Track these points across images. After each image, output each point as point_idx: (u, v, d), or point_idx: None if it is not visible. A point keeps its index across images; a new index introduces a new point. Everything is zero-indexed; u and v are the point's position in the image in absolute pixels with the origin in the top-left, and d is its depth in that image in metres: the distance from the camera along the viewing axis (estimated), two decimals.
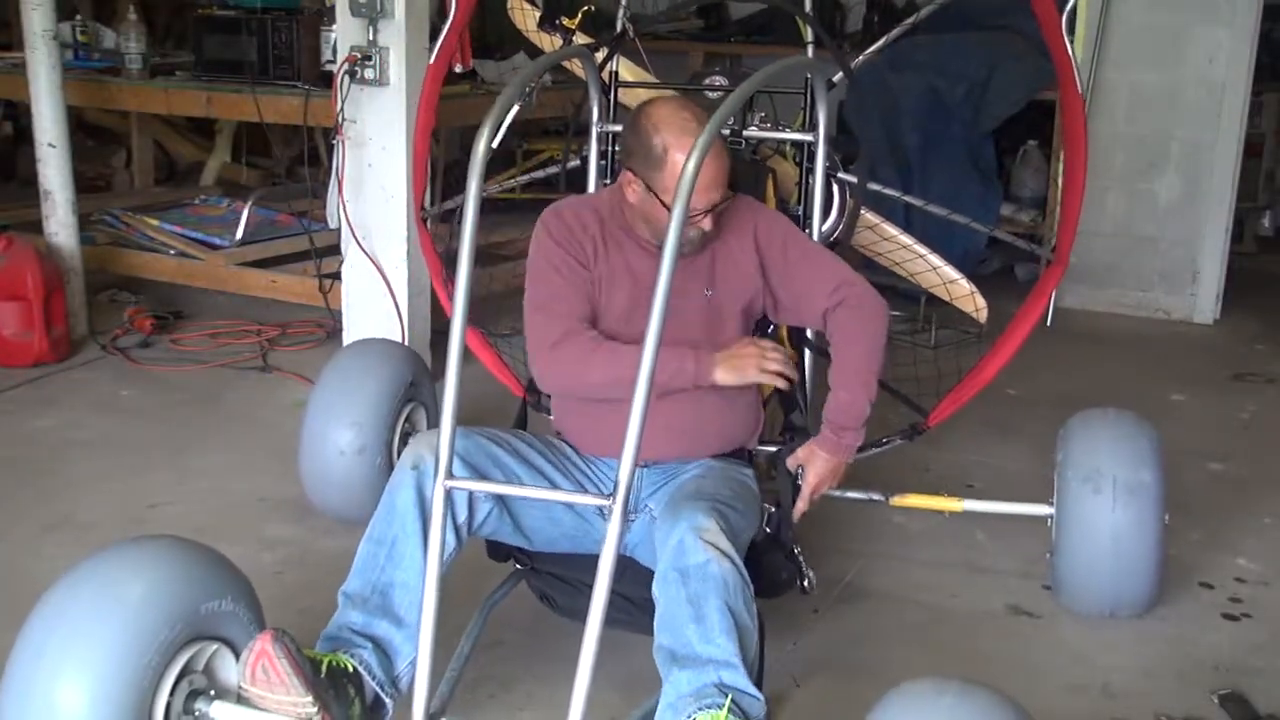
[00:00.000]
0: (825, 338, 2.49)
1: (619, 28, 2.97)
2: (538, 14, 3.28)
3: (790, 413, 2.64)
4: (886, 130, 5.30)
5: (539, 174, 3.40)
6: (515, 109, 2.17)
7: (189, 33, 5.09)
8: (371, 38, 3.81)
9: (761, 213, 2.51)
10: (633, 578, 2.22)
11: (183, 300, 4.88)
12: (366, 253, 4.00)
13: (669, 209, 2.11)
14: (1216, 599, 2.87)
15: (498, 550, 2.44)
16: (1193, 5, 5.10)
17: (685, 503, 2.13)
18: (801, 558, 2.40)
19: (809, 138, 2.76)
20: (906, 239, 3.05)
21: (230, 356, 4.36)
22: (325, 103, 4.07)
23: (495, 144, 2.04)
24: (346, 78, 3.84)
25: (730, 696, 1.95)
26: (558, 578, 2.39)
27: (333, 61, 4.13)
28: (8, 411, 3.82)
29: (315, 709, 1.94)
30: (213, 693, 1.95)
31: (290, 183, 5.78)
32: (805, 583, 2.40)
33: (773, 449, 2.61)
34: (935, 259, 3.04)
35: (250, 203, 4.98)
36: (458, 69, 4.21)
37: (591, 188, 2.88)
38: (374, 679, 2.10)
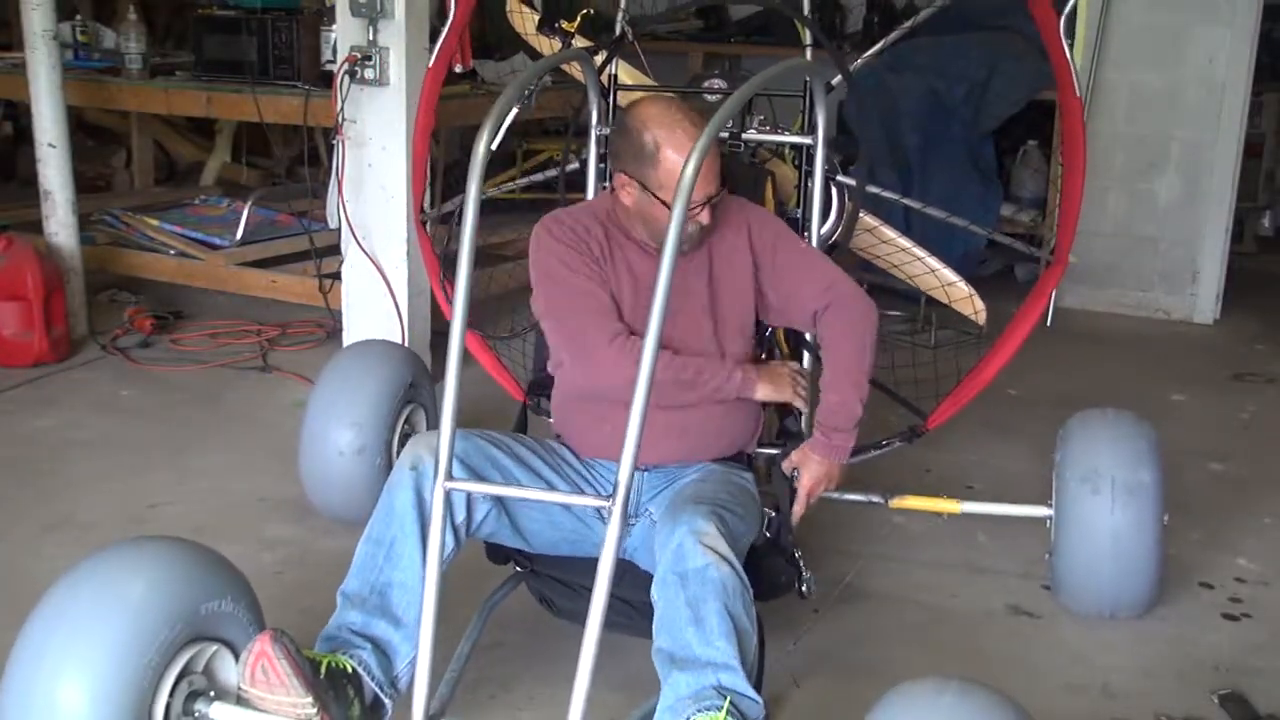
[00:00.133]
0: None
1: (618, 30, 2.97)
2: (536, 17, 3.29)
3: (785, 417, 2.64)
4: (886, 131, 5.30)
5: (538, 176, 3.40)
6: (514, 111, 2.17)
7: (189, 33, 5.09)
8: (371, 38, 3.81)
9: (754, 211, 2.52)
10: (632, 581, 2.22)
11: (183, 300, 4.89)
12: (366, 253, 4.00)
13: (667, 206, 2.13)
14: (1216, 599, 2.87)
15: (497, 552, 2.44)
16: (1193, 5, 5.10)
17: (685, 506, 2.13)
18: (801, 562, 2.40)
19: (808, 140, 2.76)
20: (905, 241, 3.05)
21: (230, 356, 4.36)
22: (325, 103, 4.07)
23: (494, 146, 2.04)
24: (346, 78, 3.84)
25: (729, 699, 1.95)
26: (557, 580, 2.39)
27: (333, 61, 4.14)
28: (8, 411, 3.83)
29: (315, 710, 1.94)
30: (212, 693, 1.95)
31: (290, 183, 5.78)
32: (804, 587, 2.40)
33: (772, 452, 2.62)
34: (934, 261, 3.05)
35: (250, 203, 4.99)
36: (458, 69, 4.21)
37: (591, 189, 2.88)
38: (373, 679, 2.10)
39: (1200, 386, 4.44)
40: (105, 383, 4.10)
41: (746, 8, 6.86)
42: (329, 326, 4.46)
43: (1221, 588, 2.92)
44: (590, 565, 1.92)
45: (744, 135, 2.78)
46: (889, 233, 3.04)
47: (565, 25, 3.07)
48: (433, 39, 3.50)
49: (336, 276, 4.17)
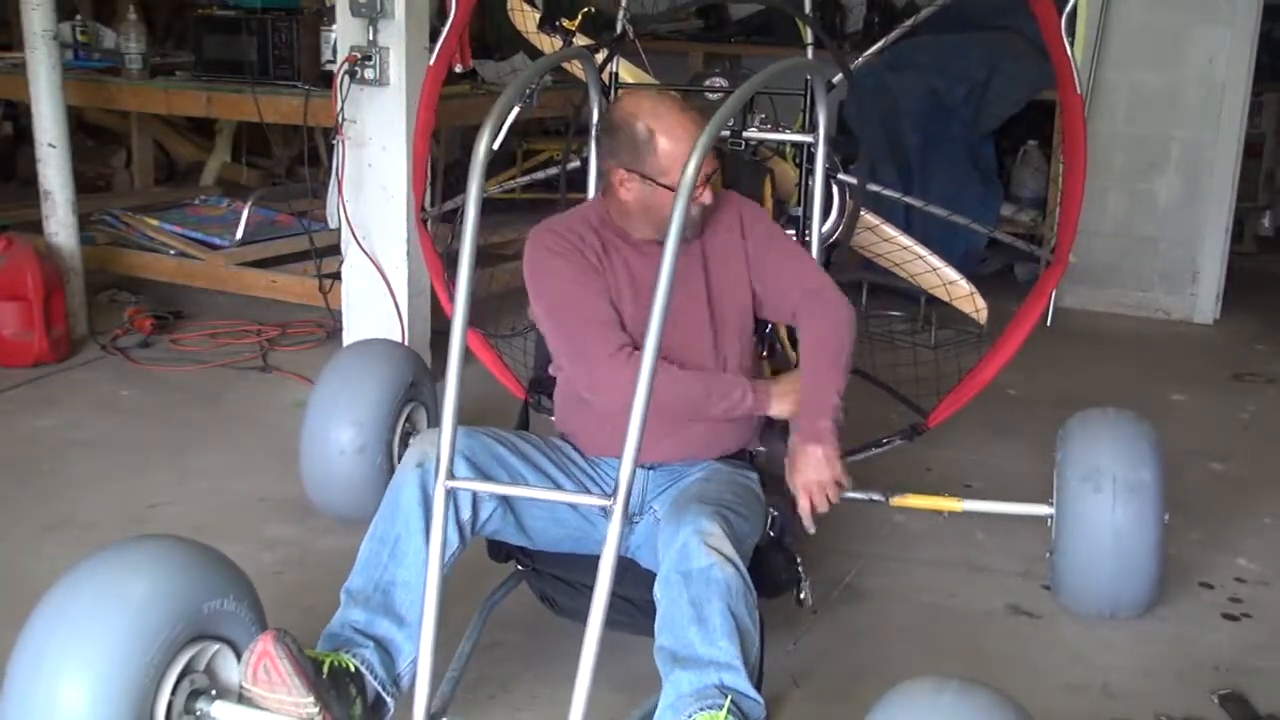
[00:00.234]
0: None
1: (619, 29, 2.97)
2: (538, 15, 3.28)
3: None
4: (886, 131, 5.30)
5: (539, 175, 3.40)
6: (516, 110, 2.17)
7: (189, 33, 5.09)
8: (371, 38, 3.81)
9: (747, 206, 2.52)
10: (633, 579, 2.22)
11: (183, 300, 4.89)
12: (366, 253, 4.00)
13: (671, 189, 2.15)
14: (1216, 599, 2.87)
15: (498, 550, 2.44)
16: (1193, 5, 5.10)
17: (690, 506, 2.13)
18: (801, 569, 2.40)
19: (809, 139, 2.76)
20: (906, 240, 3.05)
21: (230, 356, 4.36)
22: (325, 103, 4.07)
23: (496, 145, 2.04)
24: (346, 78, 3.84)
25: (730, 698, 1.95)
26: (559, 579, 2.39)
27: (333, 61, 4.14)
28: (8, 411, 3.83)
29: (316, 709, 1.94)
30: (214, 692, 1.95)
31: (290, 183, 5.78)
32: (801, 595, 2.40)
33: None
34: (935, 260, 3.05)
35: (250, 203, 4.99)
36: (458, 69, 4.21)
37: (592, 188, 2.88)
38: (375, 678, 2.10)
39: (1200, 386, 4.44)
40: (105, 383, 4.10)
41: (747, 7, 6.87)
42: (329, 326, 4.46)
43: (1221, 588, 2.92)
44: (592, 563, 1.91)
45: (745, 134, 2.78)
46: (890, 231, 3.04)
47: (566, 23, 3.07)
48: (433, 39, 3.50)
49: (336, 276, 4.17)
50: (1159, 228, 5.33)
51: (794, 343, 2.72)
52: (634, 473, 1.88)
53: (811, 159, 2.76)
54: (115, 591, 1.86)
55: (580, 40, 3.07)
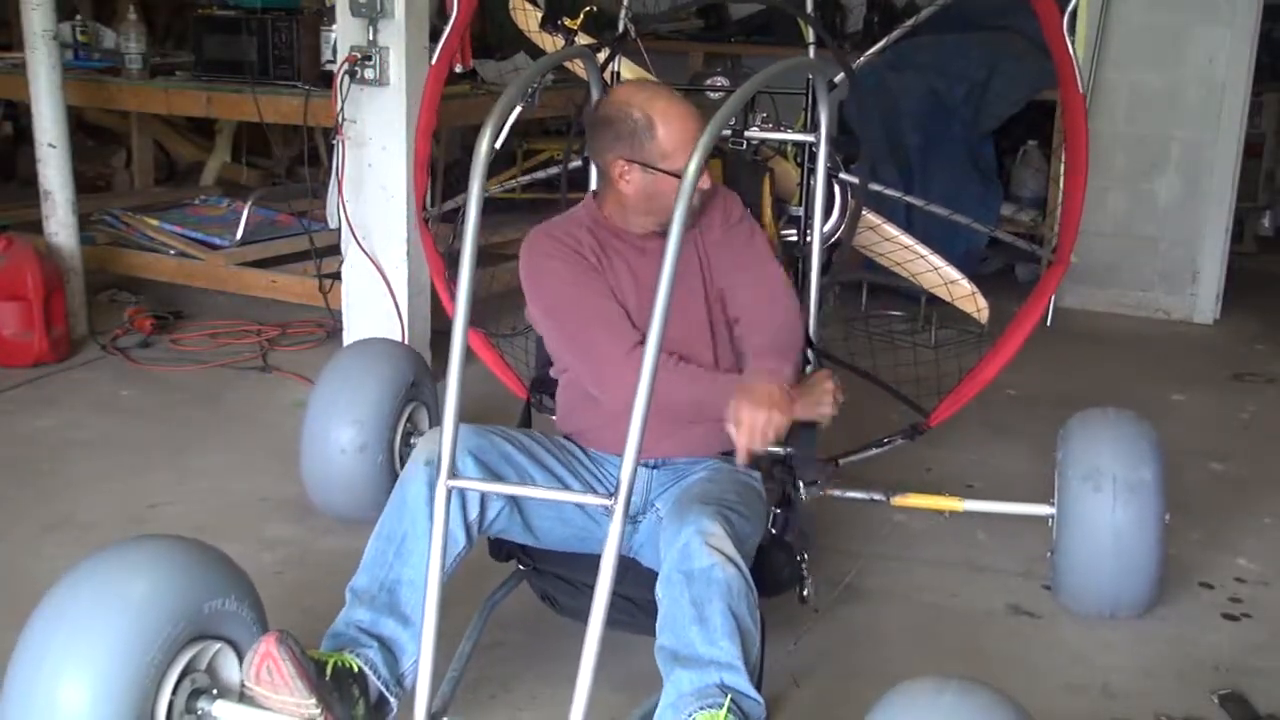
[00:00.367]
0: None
1: (620, 28, 2.97)
2: (539, 14, 3.28)
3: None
4: (887, 131, 5.30)
5: (540, 174, 3.40)
6: (517, 110, 2.17)
7: (189, 33, 5.09)
8: (371, 38, 3.81)
9: (734, 201, 2.52)
10: (634, 579, 2.22)
11: (183, 300, 4.88)
12: (366, 253, 4.00)
13: (674, 175, 2.17)
14: (1216, 599, 2.87)
15: (499, 550, 2.44)
16: (1193, 5, 5.10)
17: (692, 506, 2.13)
18: (805, 569, 2.40)
19: (810, 138, 2.76)
20: (907, 239, 3.05)
21: (230, 356, 4.36)
22: (325, 103, 4.07)
23: (498, 145, 2.04)
24: (346, 78, 3.84)
25: (730, 697, 1.95)
26: (560, 578, 2.39)
27: (333, 61, 4.14)
28: (8, 411, 3.83)
29: (318, 710, 1.94)
30: (215, 691, 1.95)
31: (290, 183, 5.78)
32: (804, 592, 2.40)
33: (775, 450, 2.61)
34: (936, 259, 3.05)
35: (250, 203, 4.99)
36: (458, 69, 4.21)
37: (593, 187, 2.87)
38: (379, 678, 2.10)
39: (1200, 386, 4.44)
40: (105, 383, 4.10)
41: (747, 7, 6.87)
42: (329, 326, 4.46)
43: (1221, 588, 2.92)
44: (593, 562, 1.91)
45: (746, 133, 2.78)
46: (891, 230, 3.04)
47: (568, 23, 3.07)
48: (433, 39, 3.50)
49: (336, 276, 4.17)
50: (1159, 228, 5.33)
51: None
52: (635, 471, 1.88)
53: (813, 158, 2.76)
54: (116, 591, 1.86)
55: (582, 39, 3.07)
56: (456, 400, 1.96)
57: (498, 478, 2.22)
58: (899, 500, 2.92)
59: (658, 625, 2.06)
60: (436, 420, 3.10)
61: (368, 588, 2.16)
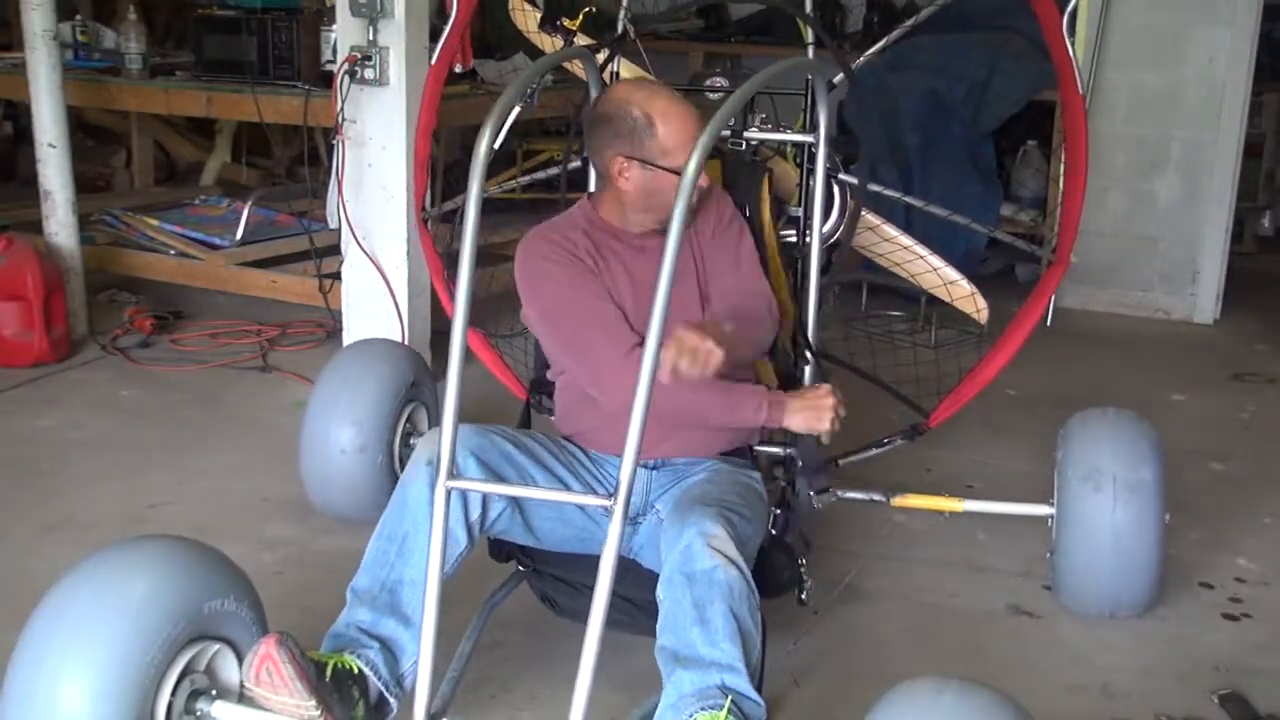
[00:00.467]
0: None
1: (620, 28, 2.97)
2: (539, 15, 3.28)
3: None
4: (886, 131, 5.30)
5: (539, 174, 3.40)
6: (516, 110, 2.17)
7: (189, 33, 5.09)
8: (371, 38, 3.81)
9: (722, 197, 2.53)
10: (634, 580, 2.22)
11: (183, 300, 4.88)
12: (366, 253, 4.00)
13: (674, 172, 2.19)
14: (1216, 599, 2.87)
15: (499, 550, 2.44)
16: (1193, 5, 5.10)
17: (694, 508, 2.13)
18: (804, 569, 2.40)
19: (809, 139, 2.76)
20: (907, 240, 3.04)
21: (230, 356, 4.36)
22: (325, 103, 4.07)
23: (497, 145, 2.04)
24: (346, 78, 3.84)
25: (731, 698, 1.95)
26: (560, 579, 2.39)
27: (333, 61, 4.14)
28: (8, 411, 3.83)
29: (318, 712, 1.94)
30: (214, 692, 1.95)
31: (290, 183, 5.79)
32: (803, 596, 2.40)
33: (773, 450, 2.62)
34: (935, 259, 3.04)
35: (250, 203, 4.98)
36: (458, 69, 4.21)
37: (593, 188, 2.87)
38: (379, 679, 2.10)
39: (1200, 386, 4.44)
40: (105, 383, 4.10)
41: (747, 7, 6.87)
42: (329, 326, 4.46)
43: (1221, 588, 2.92)
44: (592, 563, 1.91)
45: (745, 133, 2.78)
46: (890, 230, 3.04)
47: (567, 23, 3.07)
48: (433, 39, 3.50)
49: (336, 276, 4.17)
50: (1159, 228, 5.33)
51: (795, 345, 2.72)
52: (634, 472, 1.88)
53: (812, 159, 2.76)
54: (115, 591, 1.86)
55: (581, 40, 3.07)
56: (456, 401, 1.96)
57: (499, 478, 2.22)
58: (899, 501, 2.92)
59: (659, 626, 2.06)
60: (436, 421, 3.10)
61: (369, 588, 2.16)
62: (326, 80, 4.11)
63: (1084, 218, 2.98)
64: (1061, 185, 3.09)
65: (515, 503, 2.25)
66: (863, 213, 2.85)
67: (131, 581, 1.87)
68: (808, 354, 2.72)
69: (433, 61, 3.18)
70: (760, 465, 2.59)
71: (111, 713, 1.78)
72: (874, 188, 2.88)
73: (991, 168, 5.48)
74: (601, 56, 2.92)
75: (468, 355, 2.02)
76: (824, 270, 2.74)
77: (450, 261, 3.12)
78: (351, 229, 3.99)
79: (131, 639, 1.81)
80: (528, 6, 3.32)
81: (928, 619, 2.75)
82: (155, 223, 4.94)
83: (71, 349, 4.31)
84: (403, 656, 2.14)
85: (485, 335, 3.23)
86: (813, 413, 2.35)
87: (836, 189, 2.82)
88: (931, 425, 2.95)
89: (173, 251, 4.79)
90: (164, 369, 4.22)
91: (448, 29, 3.10)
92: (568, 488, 2.32)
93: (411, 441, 3.01)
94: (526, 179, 3.62)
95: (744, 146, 2.80)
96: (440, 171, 5.44)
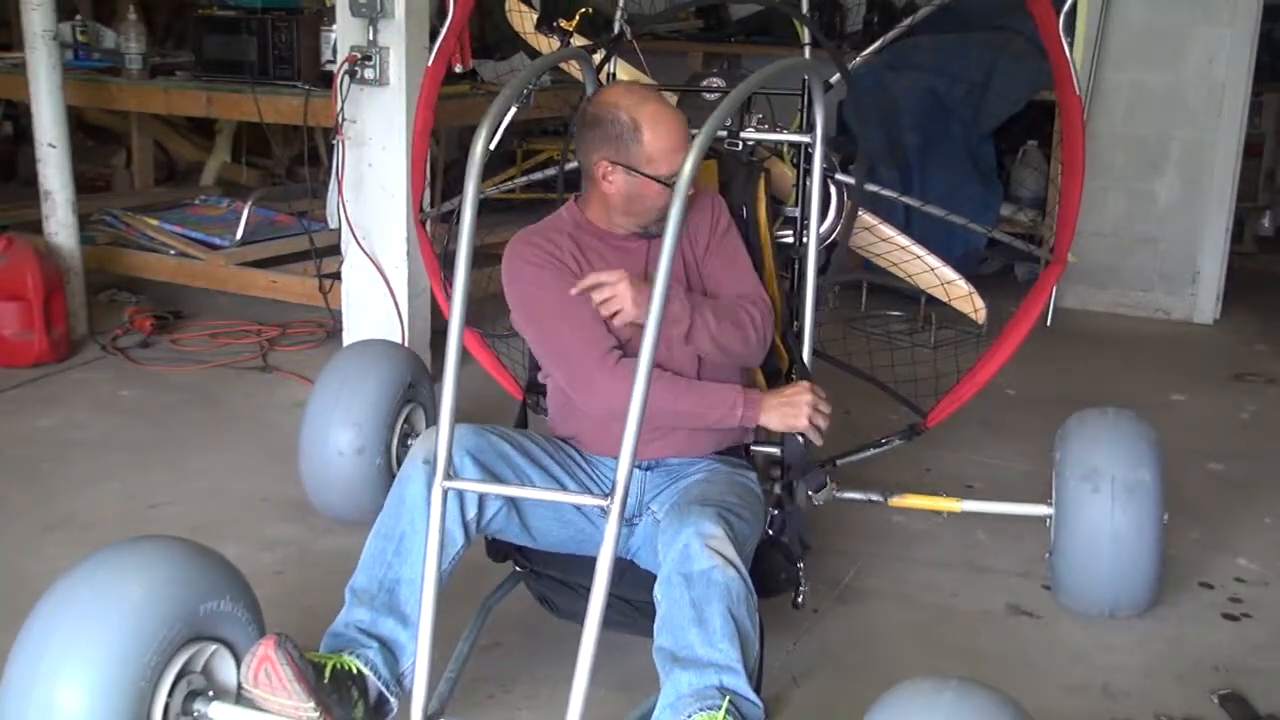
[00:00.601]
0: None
1: (616, 29, 2.97)
2: (535, 15, 3.28)
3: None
4: (885, 130, 5.30)
5: (537, 175, 3.40)
6: (513, 110, 2.17)
7: (189, 33, 5.09)
8: (371, 38, 3.81)
9: (717, 202, 2.53)
10: (632, 580, 2.22)
11: (183, 300, 4.89)
12: (366, 253, 4.00)
13: (657, 180, 2.20)
14: (1216, 599, 2.87)
15: (497, 550, 2.44)
16: (1193, 5, 5.10)
17: (691, 508, 2.13)
18: (802, 574, 2.40)
19: (806, 139, 2.76)
20: (904, 239, 3.04)
21: (230, 356, 4.36)
22: (325, 103, 4.07)
23: (493, 146, 2.04)
24: (346, 78, 3.84)
25: (729, 698, 1.95)
26: (557, 580, 2.39)
27: (333, 61, 4.14)
28: (8, 411, 3.83)
29: (317, 714, 1.94)
30: (211, 693, 1.95)
31: (290, 183, 5.78)
32: (799, 598, 2.40)
33: (769, 450, 2.61)
34: (933, 259, 3.04)
35: (250, 203, 4.98)
36: (458, 69, 4.21)
37: None
38: (379, 678, 2.10)
39: (1200, 386, 4.44)
40: (105, 383, 4.10)
41: (747, 7, 6.87)
42: (329, 326, 4.46)
43: (1221, 588, 2.92)
44: (589, 565, 1.91)
45: (742, 134, 2.78)
46: (888, 230, 3.04)
47: (564, 24, 3.07)
48: (433, 39, 3.50)
49: (336, 276, 4.17)
50: (1159, 228, 5.33)
51: (785, 344, 2.72)
52: (631, 472, 1.88)
53: (809, 159, 2.76)
54: (113, 592, 1.86)
55: (578, 40, 3.07)
56: (453, 401, 1.96)
57: (495, 477, 2.23)
58: (897, 501, 2.92)
59: (656, 626, 2.06)
60: (433, 421, 3.10)
61: (366, 587, 2.16)
62: (326, 80, 4.11)
63: (1084, 218, 2.98)
64: (1059, 185, 3.10)
65: (511, 502, 2.25)
66: (860, 213, 2.85)
67: (129, 583, 1.87)
68: (800, 355, 2.72)
69: (429, 62, 3.18)
70: (757, 465, 2.59)
71: (108, 713, 1.78)
72: (871, 188, 2.88)
73: (991, 168, 5.48)
74: (598, 57, 2.92)
75: (465, 355, 2.02)
76: (822, 270, 2.73)
77: (448, 262, 3.12)
78: (351, 229, 3.99)
79: (128, 640, 1.81)
80: (524, 7, 3.32)
81: (927, 619, 2.75)
82: (155, 223, 4.94)
83: (71, 349, 4.31)
84: (402, 656, 2.14)
85: (482, 335, 3.23)
86: (788, 409, 2.36)
87: (833, 189, 2.81)
88: (930, 425, 2.95)
89: (173, 251, 4.79)
90: (164, 369, 4.23)
91: (444, 30, 3.10)
92: (564, 488, 2.32)
93: (409, 442, 3.01)
94: (524, 179, 3.62)
95: (740, 147, 2.80)
96: (440, 171, 5.44)
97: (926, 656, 2.58)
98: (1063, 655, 2.61)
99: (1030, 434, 3.68)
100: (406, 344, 3.83)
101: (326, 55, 4.28)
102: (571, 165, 2.97)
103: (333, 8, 4.04)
